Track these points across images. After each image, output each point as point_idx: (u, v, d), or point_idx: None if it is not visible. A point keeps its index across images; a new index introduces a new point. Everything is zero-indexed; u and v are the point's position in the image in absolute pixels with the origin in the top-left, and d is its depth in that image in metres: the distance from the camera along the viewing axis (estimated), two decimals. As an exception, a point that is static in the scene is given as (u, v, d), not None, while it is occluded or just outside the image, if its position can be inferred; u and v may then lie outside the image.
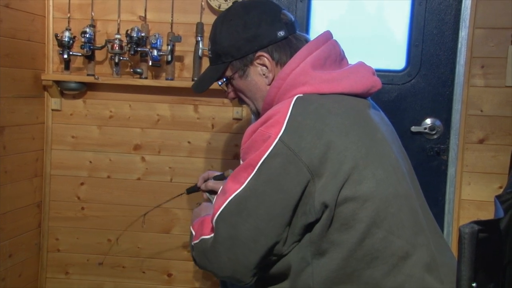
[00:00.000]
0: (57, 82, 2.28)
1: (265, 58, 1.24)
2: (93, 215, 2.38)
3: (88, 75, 2.26)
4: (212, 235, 1.14)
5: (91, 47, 2.21)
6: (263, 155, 1.08)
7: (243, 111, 2.27)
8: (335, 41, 1.27)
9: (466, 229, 1.17)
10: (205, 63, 2.24)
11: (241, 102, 1.34)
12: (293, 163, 1.07)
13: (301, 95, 1.15)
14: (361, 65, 1.26)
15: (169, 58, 2.21)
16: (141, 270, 2.38)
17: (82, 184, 2.37)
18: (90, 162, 2.36)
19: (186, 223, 2.33)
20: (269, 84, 1.24)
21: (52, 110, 2.35)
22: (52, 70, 2.32)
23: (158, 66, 2.23)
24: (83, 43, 2.18)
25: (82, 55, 2.23)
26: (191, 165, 2.33)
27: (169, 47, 2.19)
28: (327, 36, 1.26)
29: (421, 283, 1.10)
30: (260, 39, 1.23)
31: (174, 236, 2.34)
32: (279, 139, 1.08)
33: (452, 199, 2.21)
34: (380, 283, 1.08)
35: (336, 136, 1.09)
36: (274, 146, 1.08)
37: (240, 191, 1.10)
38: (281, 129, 1.08)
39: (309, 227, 1.10)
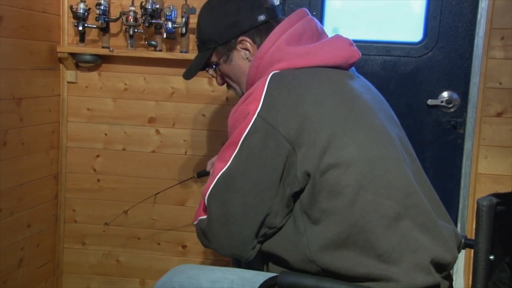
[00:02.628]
0: (72, 55, 2.29)
1: (247, 43, 1.30)
2: (108, 187, 2.40)
3: (103, 47, 2.25)
4: (206, 215, 1.19)
5: (106, 19, 2.20)
6: (244, 132, 1.12)
7: (258, 84, 2.26)
8: (311, 18, 1.31)
9: (484, 201, 1.17)
10: (220, 35, 2.23)
11: (228, 87, 1.41)
12: (272, 136, 1.11)
13: (277, 71, 1.19)
14: (337, 37, 1.29)
15: (184, 30, 2.19)
16: (156, 242, 2.42)
17: (97, 156, 2.39)
18: (106, 134, 2.38)
19: (200, 196, 2.33)
20: None
21: (68, 82, 2.35)
22: (68, 43, 2.32)
23: (173, 38, 2.22)
24: (98, 15, 2.18)
25: (97, 27, 2.23)
26: (206, 138, 2.33)
27: (184, 19, 2.17)
28: (301, 13, 1.30)
29: (415, 243, 1.11)
30: (241, 24, 1.29)
31: (189, 208, 2.36)
32: (257, 115, 1.12)
33: (468, 173, 2.20)
34: (375, 245, 1.10)
35: (311, 106, 1.12)
36: (253, 122, 1.12)
37: (226, 169, 1.14)
38: (258, 105, 1.13)
39: (296, 196, 1.14)
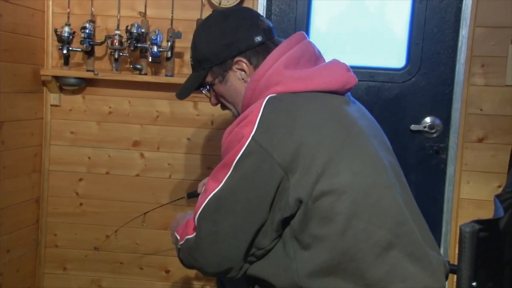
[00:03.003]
0: (56, 78, 2.28)
1: (243, 63, 1.28)
2: (91, 211, 2.38)
3: (87, 70, 2.25)
4: (195, 233, 1.19)
5: (91, 43, 2.20)
6: (238, 154, 1.12)
7: (243, 108, 2.26)
8: (309, 41, 1.31)
9: (467, 228, 1.18)
10: (205, 60, 2.24)
11: (223, 107, 1.40)
12: (266, 161, 1.10)
13: (274, 95, 1.18)
14: (334, 62, 1.29)
15: (169, 54, 2.20)
16: (139, 266, 2.38)
17: (80, 180, 2.37)
18: (89, 158, 2.36)
19: (184, 220, 2.32)
20: None
21: (51, 105, 2.34)
22: (52, 66, 2.31)
23: (158, 62, 2.22)
24: (82, 39, 2.18)
25: (82, 50, 2.23)
26: (191, 162, 2.32)
27: (169, 44, 2.18)
28: (300, 37, 1.29)
29: (404, 272, 1.11)
30: (237, 44, 1.28)
31: (173, 232, 2.34)
32: (251, 138, 1.11)
33: (451, 197, 2.22)
34: (365, 274, 1.10)
35: (308, 132, 1.12)
36: (247, 145, 1.11)
37: (218, 189, 1.14)
38: (253, 128, 1.12)
39: (287, 221, 1.14)
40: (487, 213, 2.14)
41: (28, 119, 2.23)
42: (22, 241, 2.25)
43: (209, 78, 1.33)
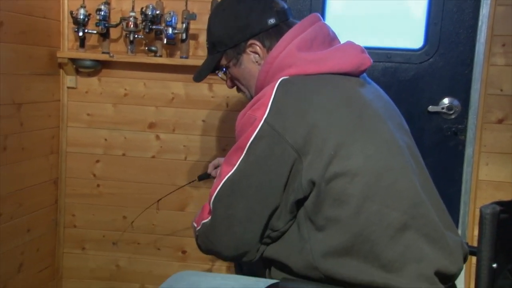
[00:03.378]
0: (72, 60, 2.28)
1: (257, 46, 1.28)
2: (108, 193, 2.40)
3: (103, 53, 2.25)
4: (210, 217, 1.19)
5: (106, 25, 2.20)
6: (250, 137, 1.12)
7: (258, 90, 2.25)
8: (324, 23, 1.29)
9: (488, 209, 1.16)
10: (220, 41, 2.23)
11: (238, 90, 1.40)
12: (278, 143, 1.10)
13: (286, 77, 1.18)
14: (348, 44, 1.27)
15: (184, 36, 2.19)
16: (156, 247, 2.41)
17: (97, 161, 2.39)
18: (105, 139, 2.37)
19: (200, 201, 2.34)
20: None
21: (68, 87, 2.35)
22: (67, 48, 2.31)
23: (173, 44, 2.21)
24: (98, 21, 2.17)
25: (97, 32, 2.22)
26: (206, 144, 2.33)
27: (184, 25, 2.17)
28: (314, 18, 1.28)
29: (420, 253, 1.11)
30: (251, 27, 1.28)
31: (189, 214, 2.35)
32: (264, 121, 1.11)
33: (469, 179, 2.19)
34: (380, 255, 1.10)
35: (320, 115, 1.11)
36: (259, 128, 1.11)
37: (232, 173, 1.14)
38: (265, 111, 1.12)
39: (300, 203, 1.14)
40: (506, 195, 2.13)
41: (45, 101, 2.25)
42: (41, 221, 2.28)
43: (223, 61, 1.34)
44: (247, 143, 1.12)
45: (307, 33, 1.23)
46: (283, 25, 1.28)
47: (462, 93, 2.20)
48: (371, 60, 1.27)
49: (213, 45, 1.35)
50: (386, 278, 1.09)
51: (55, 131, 2.34)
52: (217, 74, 1.40)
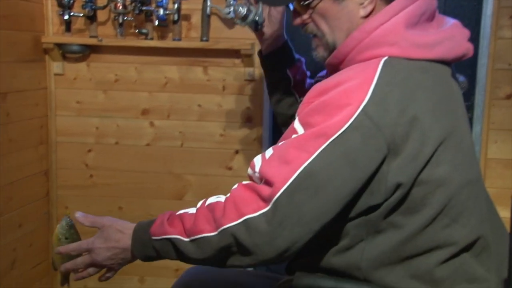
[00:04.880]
0: (59, 45, 2.17)
1: None
2: (102, 183, 2.31)
3: (90, 37, 2.14)
4: (265, 210, 0.95)
5: (93, 7, 2.09)
6: (342, 126, 0.94)
7: (255, 72, 2.16)
8: None
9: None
10: (214, 22, 2.13)
11: (310, 30, 1.14)
12: (374, 138, 0.94)
13: (388, 58, 1.00)
14: (456, 27, 1.10)
15: (176, 17, 2.08)
16: (154, 238, 2.33)
17: (89, 151, 2.30)
18: (97, 128, 2.28)
19: (198, 189, 2.26)
20: (365, 17, 1.06)
21: (55, 74, 2.25)
22: (53, 32, 2.20)
23: (165, 26, 2.11)
24: (84, 3, 2.06)
25: (84, 15, 2.11)
26: (202, 130, 2.24)
27: (176, 6, 2.07)
28: None
29: (472, 274, 1.05)
30: None
31: (187, 202, 2.27)
32: (362, 110, 0.94)
33: (478, 158, 2.13)
34: (432, 271, 1.02)
35: (422, 114, 0.97)
36: (356, 117, 0.94)
37: (310, 163, 0.94)
38: (364, 97, 0.94)
39: (370, 208, 1.01)
40: (517, 174, 2.08)
41: (31, 90, 2.15)
42: (33, 215, 2.20)
43: None
44: (336, 131, 0.94)
45: (417, 6, 1.03)
46: None
47: (468, 69, 2.13)
48: (473, 50, 1.10)
49: None
50: None
51: (43, 120, 2.24)
52: (300, 4, 1.12)
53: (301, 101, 1.50)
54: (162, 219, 1.06)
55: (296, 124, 1.01)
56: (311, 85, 1.21)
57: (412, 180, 0.98)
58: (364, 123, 0.94)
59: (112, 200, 2.31)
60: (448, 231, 1.02)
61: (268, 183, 0.96)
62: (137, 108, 2.25)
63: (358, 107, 0.94)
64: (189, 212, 1.05)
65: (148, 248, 1.07)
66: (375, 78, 0.96)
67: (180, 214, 1.06)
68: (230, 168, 2.23)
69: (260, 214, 0.95)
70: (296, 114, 1.03)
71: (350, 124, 0.94)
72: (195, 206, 1.07)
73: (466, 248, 1.04)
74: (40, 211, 2.26)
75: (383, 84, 0.96)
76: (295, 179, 0.94)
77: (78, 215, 1.16)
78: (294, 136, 1.00)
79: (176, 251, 1.04)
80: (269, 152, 1.01)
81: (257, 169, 1.00)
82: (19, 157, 2.08)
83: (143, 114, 2.26)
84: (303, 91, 1.54)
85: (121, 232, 1.10)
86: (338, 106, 0.95)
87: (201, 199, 1.07)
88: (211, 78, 2.20)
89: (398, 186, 0.97)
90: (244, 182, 1.02)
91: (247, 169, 1.05)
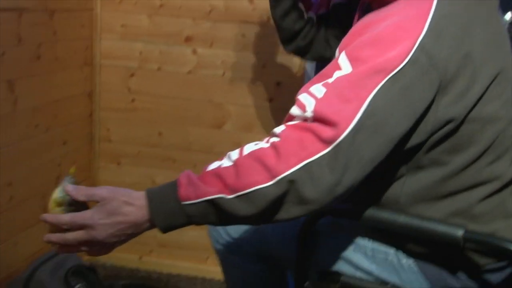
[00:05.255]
0: (106, -35, 2.16)
1: None
2: (143, 108, 2.34)
3: (138, -43, 2.11)
4: (325, 152, 0.87)
5: None
6: (401, 60, 0.88)
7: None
8: None
9: None
10: None
11: None
12: (428, 74, 0.90)
13: None
14: None
15: None
16: (192, 164, 2.38)
17: (132, 75, 2.32)
18: (140, 52, 2.28)
19: (237, 120, 2.26)
20: None
21: (101, -4, 2.24)
22: (100, -48, 2.18)
23: (213, -51, 2.06)
24: None
25: None
26: (245, 60, 2.21)
27: None
28: None
29: (510, 209, 1.05)
30: None
31: (225, 132, 2.29)
32: (419, 43, 0.89)
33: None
34: (473, 207, 1.02)
35: (476, 50, 0.94)
36: (414, 52, 0.88)
37: (371, 100, 0.87)
38: (422, 30, 0.89)
39: (413, 146, 0.97)
40: None
41: (78, 10, 2.15)
42: (76, 134, 2.26)
43: None
44: (396, 67, 0.88)
45: None
46: None
47: None
48: None
49: None
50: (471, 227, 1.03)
51: (88, 42, 2.26)
52: None
53: (308, 16, 1.46)
54: (190, 179, 0.92)
55: (342, 59, 0.93)
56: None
57: (462, 118, 0.96)
58: (420, 58, 0.89)
59: (152, 126, 2.34)
60: (492, 168, 1.01)
61: (329, 123, 0.87)
62: (180, 34, 2.24)
63: (416, 41, 0.89)
64: (224, 166, 0.92)
65: (177, 216, 0.92)
66: (432, 10, 0.91)
67: (214, 169, 0.93)
68: (271, 100, 2.22)
69: (320, 157, 0.86)
70: (338, 49, 0.98)
71: (410, 59, 0.89)
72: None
73: (508, 184, 1.04)
74: (83, 131, 2.31)
75: (440, 16, 0.91)
76: (360, 118, 0.87)
77: (69, 188, 0.98)
78: (338, 72, 0.92)
79: (218, 212, 0.91)
80: (319, 89, 0.92)
81: (309, 108, 0.90)
82: (64, 76, 2.12)
83: (186, 41, 2.24)
84: (309, 5, 1.50)
85: (129, 205, 0.93)
86: (393, 40, 0.90)
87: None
88: (257, 7, 2.15)
89: (446, 123, 0.95)
90: (292, 123, 0.92)
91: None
